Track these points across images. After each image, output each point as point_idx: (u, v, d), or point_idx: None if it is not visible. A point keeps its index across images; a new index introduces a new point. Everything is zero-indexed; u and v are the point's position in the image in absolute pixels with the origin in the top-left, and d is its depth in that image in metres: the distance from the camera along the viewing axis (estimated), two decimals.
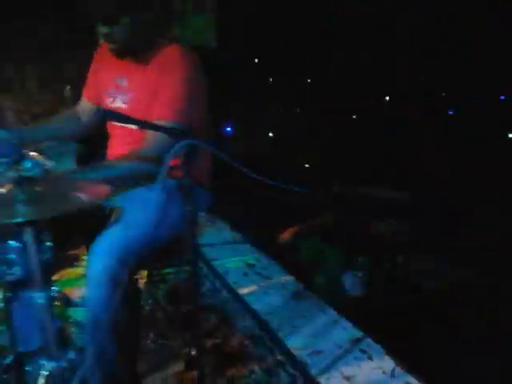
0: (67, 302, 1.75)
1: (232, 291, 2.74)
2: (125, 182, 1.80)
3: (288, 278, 2.87)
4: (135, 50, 1.91)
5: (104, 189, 1.44)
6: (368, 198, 3.65)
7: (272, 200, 3.14)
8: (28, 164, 1.27)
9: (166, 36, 1.95)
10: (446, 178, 3.76)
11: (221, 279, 2.89)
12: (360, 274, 2.68)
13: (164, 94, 1.83)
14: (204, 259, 3.02)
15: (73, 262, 2.97)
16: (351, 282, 2.67)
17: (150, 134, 1.81)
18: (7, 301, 1.95)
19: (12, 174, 1.30)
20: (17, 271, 1.57)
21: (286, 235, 3.50)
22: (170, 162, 1.83)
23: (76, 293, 2.63)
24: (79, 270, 2.95)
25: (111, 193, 1.47)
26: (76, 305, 2.44)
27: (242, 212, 3.74)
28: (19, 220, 1.26)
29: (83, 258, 3.00)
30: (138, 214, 1.82)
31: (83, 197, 1.38)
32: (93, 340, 1.74)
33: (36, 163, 1.28)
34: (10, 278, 1.57)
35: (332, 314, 2.49)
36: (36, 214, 1.28)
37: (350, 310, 2.49)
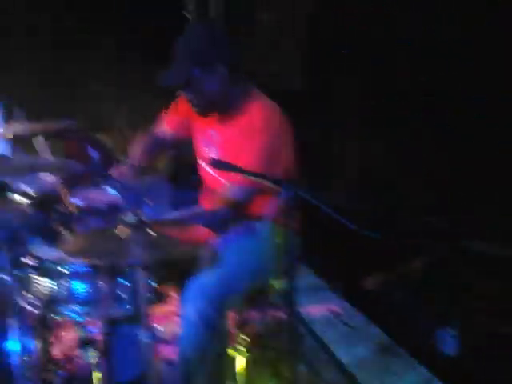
0: (158, 338, 1.79)
1: (318, 340, 2.70)
2: (220, 226, 1.87)
3: (376, 330, 2.78)
4: (218, 110, 1.96)
5: (205, 233, 1.50)
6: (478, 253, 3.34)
7: (358, 244, 3.07)
8: (147, 210, 1.35)
9: (245, 86, 1.97)
10: None
11: (306, 326, 2.85)
12: (455, 332, 2.55)
13: (245, 160, 1.83)
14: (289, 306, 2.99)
15: (161, 298, 3.06)
16: (445, 340, 2.54)
17: (237, 185, 1.86)
18: (109, 334, 2.06)
19: (131, 218, 1.39)
20: (124, 308, 1.66)
21: (372, 282, 3.41)
22: (266, 208, 1.90)
23: (167, 329, 2.71)
24: (167, 307, 3.04)
25: (211, 237, 1.53)
26: (166, 342, 2.51)
27: (326, 257, 3.69)
28: (136, 263, 1.34)
29: (172, 295, 3.10)
30: (231, 257, 1.89)
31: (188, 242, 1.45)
32: (183, 378, 1.80)
33: (154, 210, 1.36)
34: (116, 314, 1.66)
35: (424, 373, 2.39)
36: (151, 258, 1.35)
37: (443, 370, 2.37)
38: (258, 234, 1.85)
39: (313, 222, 2.24)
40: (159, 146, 2.26)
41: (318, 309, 3.05)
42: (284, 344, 1.82)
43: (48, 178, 1.93)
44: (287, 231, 1.98)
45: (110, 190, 2.07)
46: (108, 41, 8.47)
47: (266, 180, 1.43)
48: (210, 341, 1.75)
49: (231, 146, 1.91)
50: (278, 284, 2.04)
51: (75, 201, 1.97)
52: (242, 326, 2.53)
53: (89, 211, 1.88)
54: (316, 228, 2.77)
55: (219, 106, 1.94)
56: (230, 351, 2.39)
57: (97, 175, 1.32)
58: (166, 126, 2.23)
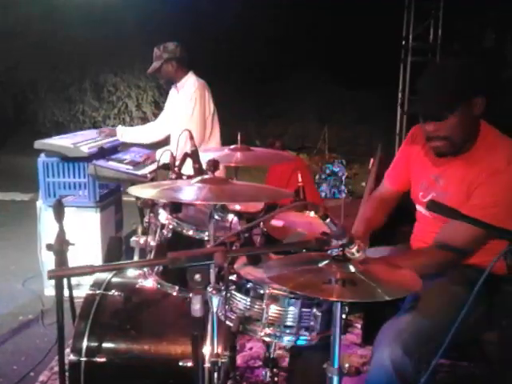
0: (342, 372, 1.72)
1: None
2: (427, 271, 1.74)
3: None
4: (457, 150, 1.83)
5: (416, 279, 1.41)
6: None
7: None
8: (354, 248, 1.31)
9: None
10: None
11: None
12: None
13: (477, 198, 1.72)
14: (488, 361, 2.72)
15: (346, 327, 3.02)
16: None
17: (457, 229, 1.73)
18: (294, 359, 2.08)
19: (335, 251, 1.37)
20: (313, 338, 1.65)
21: None
22: (487, 258, 1.72)
23: (347, 360, 2.67)
24: (351, 338, 3.00)
25: (418, 281, 1.42)
26: (348, 374, 2.45)
27: None
28: (335, 300, 1.31)
29: (356, 325, 3.03)
30: (432, 303, 1.76)
31: (396, 285, 1.37)
32: None
33: (362, 248, 1.32)
34: (304, 342, 1.66)
35: None
36: (351, 297, 1.31)
37: None
38: (473, 284, 1.70)
39: None
40: (385, 211, 2.19)
41: None
42: None
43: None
44: (508, 286, 1.79)
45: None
46: (313, 63, 8.82)
47: (492, 230, 1.28)
48: None
49: (461, 188, 1.79)
50: (487, 337, 1.86)
51: (276, 222, 2.05)
52: (432, 375, 2.36)
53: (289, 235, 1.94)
54: None
55: (465, 144, 1.81)
56: None
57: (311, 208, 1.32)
58: (389, 185, 2.19)
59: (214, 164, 1.46)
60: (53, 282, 3.41)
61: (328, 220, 1.29)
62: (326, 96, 9.41)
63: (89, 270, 1.05)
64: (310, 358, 2.01)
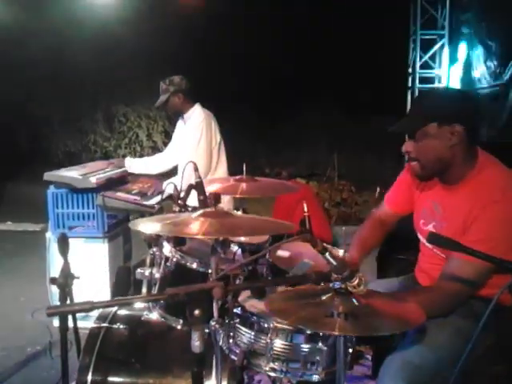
0: None
1: None
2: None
3: None
4: (442, 176, 1.83)
5: (419, 313, 1.39)
6: None
7: None
8: (355, 282, 1.31)
9: (476, 153, 1.81)
10: None
11: None
12: None
13: (475, 232, 1.69)
14: None
15: (356, 359, 2.98)
16: None
17: (456, 265, 1.72)
18: None
19: (337, 284, 1.36)
20: (319, 373, 1.62)
21: None
22: (493, 290, 1.70)
23: None
24: (362, 370, 2.94)
25: (424, 319, 1.40)
26: None
27: None
28: (336, 334, 1.30)
29: (367, 357, 2.98)
30: (437, 335, 1.73)
31: (399, 319, 1.35)
32: None
33: (363, 282, 1.31)
34: (310, 378, 1.64)
35: None
36: (353, 331, 1.30)
37: None
38: (479, 316, 1.67)
39: None
40: (383, 231, 2.21)
41: None
42: None
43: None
44: None
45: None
46: (322, 91, 8.90)
47: (493, 262, 1.26)
48: None
49: (458, 219, 1.77)
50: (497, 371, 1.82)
51: (282, 253, 2.04)
52: None
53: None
54: None
55: (445, 171, 1.81)
56: None
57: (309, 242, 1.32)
58: (389, 207, 2.19)
59: (215, 197, 1.47)
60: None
61: (327, 254, 1.28)
62: (336, 124, 9.46)
63: (87, 307, 1.05)
64: None
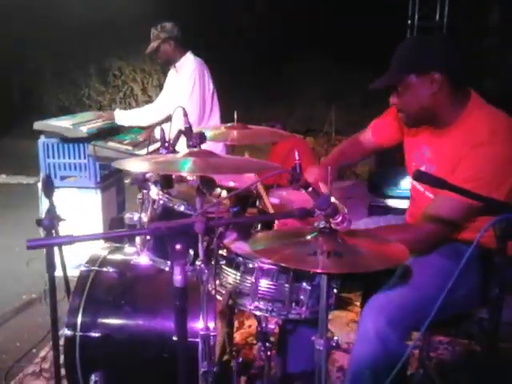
0: (337, 345, 1.73)
1: None
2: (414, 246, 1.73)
3: None
4: (431, 122, 1.83)
5: (403, 251, 1.40)
6: None
7: None
8: (339, 219, 1.31)
9: (466, 96, 1.80)
10: None
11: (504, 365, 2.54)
12: None
13: (462, 171, 1.70)
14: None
15: (345, 305, 3.04)
16: None
17: (439, 203, 1.73)
18: (286, 333, 2.09)
19: (322, 224, 1.37)
20: (303, 312, 1.65)
21: None
22: (477, 231, 1.71)
23: (345, 337, 2.68)
24: (350, 315, 3.00)
25: (405, 253, 1.42)
26: (344, 350, 2.47)
27: None
28: (320, 271, 1.31)
29: (356, 303, 3.04)
30: (425, 278, 1.76)
31: (378, 255, 1.37)
32: None
33: (348, 219, 1.32)
34: (294, 316, 1.66)
35: None
36: (336, 269, 1.31)
37: None
38: (462, 258, 1.69)
39: None
40: (359, 152, 2.25)
41: None
42: (472, 381, 1.63)
43: (251, 177, 2.04)
44: (498, 258, 1.77)
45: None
46: (318, 45, 8.73)
47: (479, 200, 1.26)
48: (385, 362, 1.66)
49: (446, 161, 1.77)
50: (477, 313, 1.85)
51: (272, 200, 2.05)
52: (425, 352, 2.37)
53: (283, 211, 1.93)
54: None
55: (430, 119, 1.82)
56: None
57: (294, 179, 1.31)
58: (371, 135, 2.20)
59: (200, 137, 1.45)
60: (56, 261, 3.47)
61: (310, 189, 1.28)
62: (332, 78, 9.33)
63: (68, 240, 1.05)
64: (302, 332, 2.02)
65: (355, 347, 1.73)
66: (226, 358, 2.18)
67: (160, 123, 3.85)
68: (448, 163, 1.75)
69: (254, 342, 2.74)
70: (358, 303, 2.89)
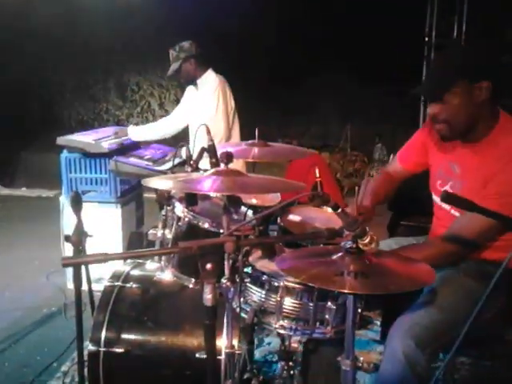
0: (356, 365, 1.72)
1: None
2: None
3: None
4: (466, 135, 1.81)
5: (430, 272, 1.39)
6: None
7: None
8: (367, 240, 1.31)
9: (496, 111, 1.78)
10: None
11: None
12: None
13: (493, 186, 1.69)
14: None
15: (365, 324, 3.01)
16: None
17: (468, 221, 1.72)
18: (309, 352, 2.08)
19: (348, 244, 1.37)
20: (328, 331, 1.65)
21: None
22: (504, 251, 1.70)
23: (365, 357, 2.66)
24: (370, 334, 2.98)
25: (431, 274, 1.41)
26: (364, 370, 2.44)
27: None
28: (347, 292, 1.31)
29: (376, 322, 3.01)
30: (447, 297, 1.75)
31: (410, 278, 1.36)
32: None
33: (375, 240, 1.32)
34: (318, 335, 1.66)
35: None
36: (363, 289, 1.31)
37: None
38: (489, 278, 1.68)
39: None
40: (391, 184, 2.20)
41: None
42: None
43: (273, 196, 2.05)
44: None
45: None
46: (335, 60, 8.76)
47: (505, 221, 1.25)
48: (411, 383, 1.65)
49: (478, 176, 1.75)
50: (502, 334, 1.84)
51: (293, 217, 2.06)
52: (449, 374, 2.34)
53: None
54: None
55: (471, 129, 1.78)
56: None
57: (324, 200, 1.32)
58: (400, 163, 2.18)
59: (227, 156, 1.47)
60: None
61: (339, 210, 1.29)
62: (348, 94, 9.33)
63: (102, 258, 1.07)
64: (326, 352, 2.01)
65: (382, 368, 1.72)
66: (246, 375, 2.17)
67: (179, 139, 3.89)
68: (479, 178, 1.74)
69: (274, 359, 2.73)
70: (378, 322, 2.87)
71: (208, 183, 1.41)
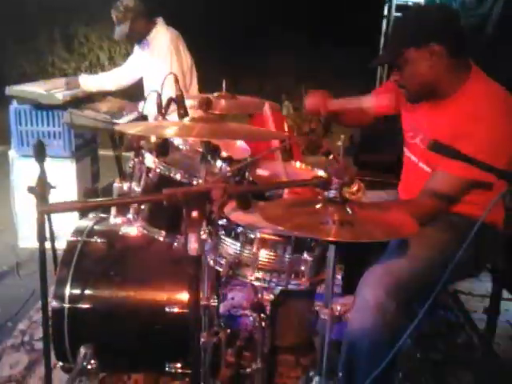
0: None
1: (491, 350, 2.46)
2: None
3: None
4: (430, 97, 1.83)
5: (412, 224, 1.39)
6: None
7: None
8: (355, 187, 1.29)
9: (467, 70, 1.80)
10: None
11: (478, 334, 2.62)
12: None
13: (463, 146, 1.69)
14: (462, 309, 2.81)
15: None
16: None
17: (439, 178, 1.74)
18: (280, 303, 2.08)
19: (334, 194, 1.34)
20: (303, 283, 1.64)
21: None
22: (478, 206, 1.73)
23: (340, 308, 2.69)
24: None
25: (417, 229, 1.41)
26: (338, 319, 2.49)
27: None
28: (333, 240, 1.29)
29: (337, 276, 3.06)
30: (416, 248, 1.77)
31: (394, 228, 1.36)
32: (346, 359, 1.76)
33: (362, 189, 1.30)
34: (293, 287, 1.65)
35: None
36: (349, 237, 1.29)
37: None
38: (457, 230, 1.71)
39: None
40: (364, 113, 2.14)
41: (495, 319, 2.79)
42: (451, 347, 1.66)
43: (242, 147, 2.00)
44: (492, 230, 1.80)
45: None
46: (289, 20, 8.64)
47: (494, 172, 1.26)
48: (383, 333, 1.68)
49: (444, 132, 1.76)
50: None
51: (261, 171, 2.02)
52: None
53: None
54: None
55: (431, 92, 1.81)
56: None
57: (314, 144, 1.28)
58: (372, 99, 2.12)
59: (207, 102, 1.40)
60: (27, 234, 3.35)
61: (331, 156, 1.25)
62: (305, 55, 9.27)
63: (79, 206, 0.99)
64: (295, 304, 2.02)
65: (353, 317, 1.73)
66: (213, 329, 2.16)
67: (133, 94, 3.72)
68: (446, 134, 1.74)
69: (238, 313, 2.74)
70: (339, 276, 2.91)
71: (188, 129, 1.33)
